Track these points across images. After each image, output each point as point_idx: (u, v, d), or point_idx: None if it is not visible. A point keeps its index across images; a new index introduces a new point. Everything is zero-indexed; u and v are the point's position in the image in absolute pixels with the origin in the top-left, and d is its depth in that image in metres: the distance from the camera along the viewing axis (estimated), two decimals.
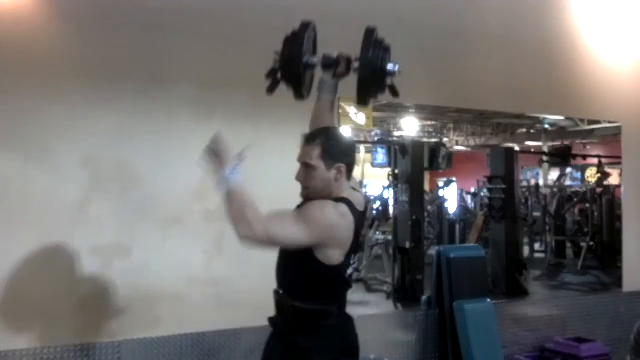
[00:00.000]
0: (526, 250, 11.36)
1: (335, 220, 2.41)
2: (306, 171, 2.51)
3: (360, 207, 2.59)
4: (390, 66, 2.69)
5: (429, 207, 11.74)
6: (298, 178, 2.55)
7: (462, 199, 15.12)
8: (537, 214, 12.16)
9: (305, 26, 2.71)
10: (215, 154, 2.47)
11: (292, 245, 2.43)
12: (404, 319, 5.15)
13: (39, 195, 3.77)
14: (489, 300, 5.18)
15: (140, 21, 4.06)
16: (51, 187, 3.80)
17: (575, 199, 12.91)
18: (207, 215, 4.19)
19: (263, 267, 4.33)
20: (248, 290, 4.17)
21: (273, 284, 4.02)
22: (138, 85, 4.04)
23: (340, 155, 2.50)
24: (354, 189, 2.66)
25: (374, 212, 10.93)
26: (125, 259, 3.95)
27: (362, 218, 2.60)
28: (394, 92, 2.70)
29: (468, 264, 5.17)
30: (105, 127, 3.94)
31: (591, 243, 11.47)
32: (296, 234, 2.38)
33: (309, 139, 2.53)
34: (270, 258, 4.36)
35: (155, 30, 4.09)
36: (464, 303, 4.93)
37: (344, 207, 2.45)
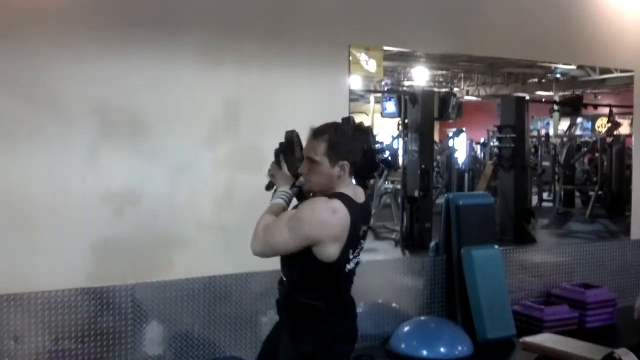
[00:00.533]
0: (534, 200, 11.37)
1: (326, 216, 2.42)
2: (310, 166, 2.52)
3: (360, 199, 2.59)
4: None
5: (438, 157, 11.73)
6: (302, 171, 2.58)
7: (471, 149, 15.07)
8: (546, 163, 12.13)
9: (290, 135, 2.77)
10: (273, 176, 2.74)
11: (292, 251, 2.49)
12: (412, 265, 5.21)
13: (48, 142, 3.80)
14: (496, 246, 5.22)
15: None
16: (60, 134, 3.83)
17: (585, 149, 12.86)
18: (217, 162, 4.22)
19: None
20: None
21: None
22: (145, 31, 4.02)
23: (346, 152, 2.49)
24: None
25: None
26: (136, 204, 4.00)
27: (362, 209, 2.59)
28: None
29: (476, 211, 5.20)
30: (113, 74, 3.94)
31: (600, 192, 11.46)
32: (289, 242, 2.47)
33: (316, 134, 2.52)
34: None
35: None
36: (472, 249, 4.97)
37: (336, 202, 2.45)
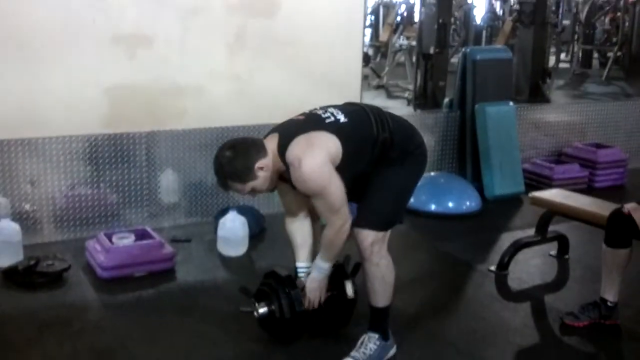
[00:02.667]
0: (552, 60, 11.14)
1: (315, 161, 2.39)
2: (254, 194, 2.56)
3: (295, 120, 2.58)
4: None
5: (456, 13, 11.39)
6: (253, 195, 2.60)
7: (490, 5, 14.62)
8: (566, 22, 11.77)
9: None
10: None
11: (343, 189, 2.46)
12: (425, 120, 5.19)
13: None
14: (511, 103, 5.17)
15: None
16: None
17: (607, 8, 12.45)
18: (229, 7, 4.10)
19: (284, 61, 4.34)
20: (269, 86, 4.19)
21: (295, 81, 3.99)
22: None
23: (247, 166, 2.43)
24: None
25: (399, 17, 10.64)
26: (147, 49, 3.93)
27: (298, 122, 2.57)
28: None
29: (494, 66, 5.10)
30: None
31: (619, 53, 11.21)
32: (339, 191, 2.44)
33: (225, 186, 2.52)
34: (290, 55, 4.34)
35: None
36: (486, 105, 4.92)
37: (299, 150, 2.40)
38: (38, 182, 3.76)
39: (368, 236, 2.54)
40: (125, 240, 3.49)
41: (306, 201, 2.65)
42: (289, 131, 2.50)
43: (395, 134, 2.58)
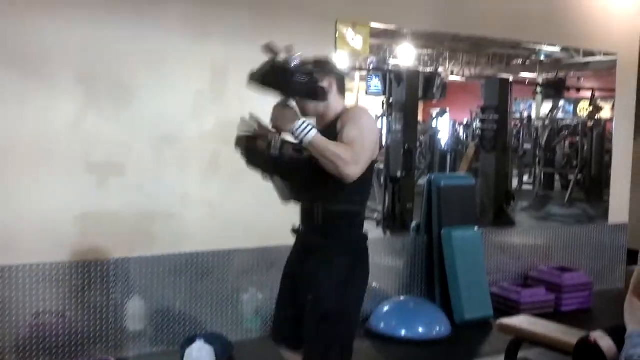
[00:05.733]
0: (515, 182, 11.44)
1: (370, 117, 2.61)
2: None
3: None
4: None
5: (421, 138, 11.75)
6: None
7: (454, 130, 15.13)
8: (527, 146, 12.21)
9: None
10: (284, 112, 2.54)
11: (373, 157, 2.50)
12: (393, 245, 5.26)
13: (34, 110, 3.78)
14: (476, 228, 5.28)
15: None
16: (46, 102, 3.80)
17: (566, 132, 12.96)
18: (202, 135, 4.21)
19: (257, 189, 4.38)
20: (242, 212, 4.24)
21: (267, 206, 3.99)
22: (132, 2, 3.98)
23: (330, 69, 2.62)
24: None
25: None
26: (120, 177, 3.99)
27: None
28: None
29: (458, 192, 5.25)
30: (100, 44, 3.90)
31: (579, 176, 11.57)
32: (369, 155, 2.47)
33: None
34: (261, 179, 4.42)
35: None
36: (452, 230, 5.02)
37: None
38: (3, 309, 3.69)
39: None
40: None
41: None
42: None
43: None
